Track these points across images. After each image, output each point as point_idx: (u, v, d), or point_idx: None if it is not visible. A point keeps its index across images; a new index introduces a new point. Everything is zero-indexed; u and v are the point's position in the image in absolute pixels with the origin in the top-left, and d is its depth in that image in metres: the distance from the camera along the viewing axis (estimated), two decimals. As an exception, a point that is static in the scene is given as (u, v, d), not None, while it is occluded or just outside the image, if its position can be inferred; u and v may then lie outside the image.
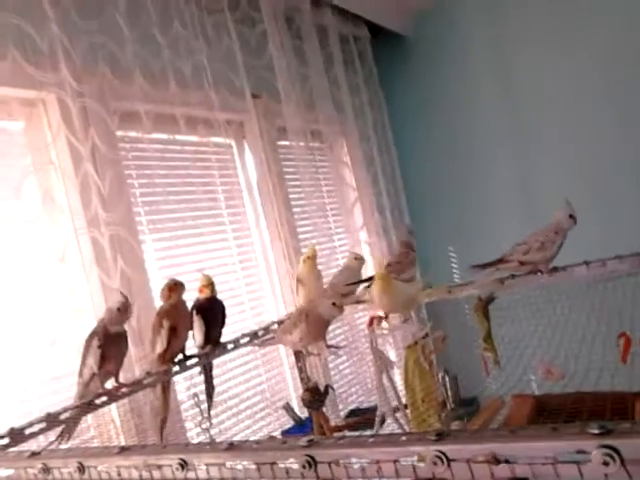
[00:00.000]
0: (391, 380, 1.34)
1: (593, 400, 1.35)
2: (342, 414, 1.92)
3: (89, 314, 1.47)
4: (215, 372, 1.52)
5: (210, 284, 1.42)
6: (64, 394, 1.29)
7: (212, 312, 1.42)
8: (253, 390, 1.88)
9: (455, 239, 3.00)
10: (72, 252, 1.45)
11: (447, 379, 1.26)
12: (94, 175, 1.45)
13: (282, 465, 0.64)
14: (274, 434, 1.70)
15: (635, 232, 2.22)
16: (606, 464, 0.48)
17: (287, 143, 2.31)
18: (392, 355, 1.92)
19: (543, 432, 0.53)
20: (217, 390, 1.57)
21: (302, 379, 1.38)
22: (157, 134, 1.75)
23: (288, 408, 1.65)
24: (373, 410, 1.50)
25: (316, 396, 1.22)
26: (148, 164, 1.72)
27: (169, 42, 1.72)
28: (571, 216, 1.36)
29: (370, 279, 1.69)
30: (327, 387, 1.25)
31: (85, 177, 1.45)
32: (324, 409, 1.46)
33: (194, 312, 1.40)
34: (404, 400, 1.37)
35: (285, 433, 1.65)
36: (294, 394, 1.99)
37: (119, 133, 1.66)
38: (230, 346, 1.49)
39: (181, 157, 1.87)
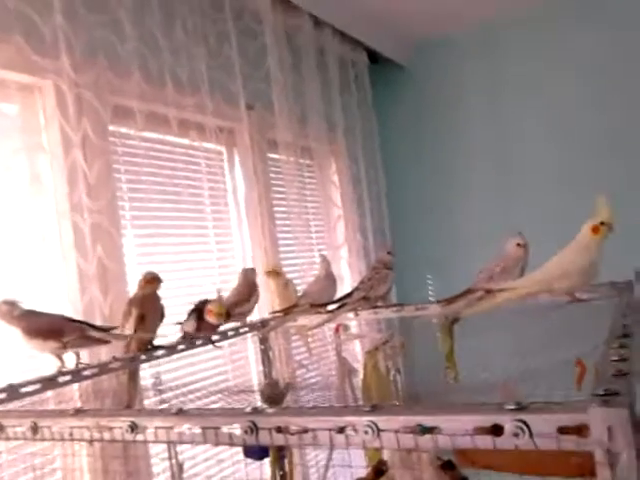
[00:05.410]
0: (352, 387, 1.37)
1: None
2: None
3: (62, 296, 1.49)
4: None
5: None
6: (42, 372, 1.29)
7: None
8: (219, 385, 1.89)
9: (435, 267, 3.05)
10: (52, 234, 1.49)
11: (398, 378, 1.29)
12: (82, 162, 1.49)
13: (226, 430, 0.67)
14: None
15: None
16: (516, 435, 0.52)
17: (277, 156, 2.37)
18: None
19: (466, 407, 0.57)
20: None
21: (265, 376, 1.41)
22: (149, 132, 1.80)
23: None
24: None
25: (275, 390, 1.25)
26: (137, 161, 1.76)
27: (170, 45, 1.78)
28: (519, 244, 1.42)
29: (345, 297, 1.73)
30: (288, 385, 1.27)
31: (74, 163, 1.48)
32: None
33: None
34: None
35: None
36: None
37: (111, 128, 1.70)
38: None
39: (170, 157, 1.92)
